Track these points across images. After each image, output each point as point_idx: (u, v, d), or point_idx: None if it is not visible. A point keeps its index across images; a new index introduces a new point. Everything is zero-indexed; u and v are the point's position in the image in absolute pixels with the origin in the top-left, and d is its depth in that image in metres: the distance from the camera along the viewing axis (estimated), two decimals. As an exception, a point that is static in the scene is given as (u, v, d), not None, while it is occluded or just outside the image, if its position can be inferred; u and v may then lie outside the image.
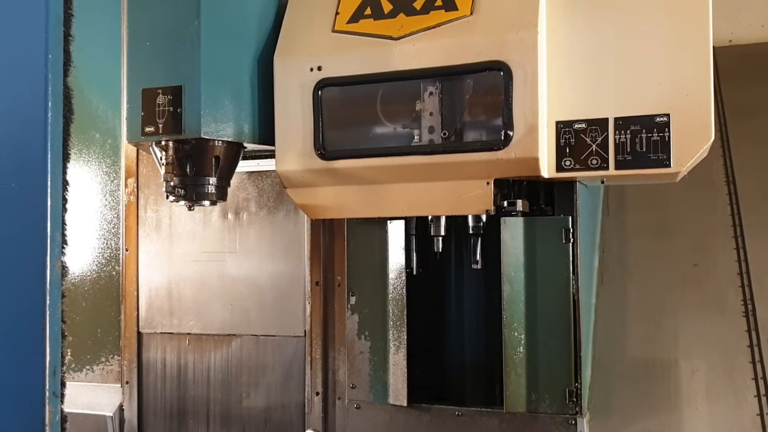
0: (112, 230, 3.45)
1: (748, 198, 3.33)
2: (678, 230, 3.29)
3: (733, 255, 3.15)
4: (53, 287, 1.19)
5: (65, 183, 1.27)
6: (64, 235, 1.27)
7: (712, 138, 2.32)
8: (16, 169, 1.23)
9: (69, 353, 3.48)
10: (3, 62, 1.25)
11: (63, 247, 1.24)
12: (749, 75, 3.94)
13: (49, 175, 1.20)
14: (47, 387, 1.16)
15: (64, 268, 1.23)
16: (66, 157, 1.25)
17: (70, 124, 1.26)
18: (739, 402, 2.73)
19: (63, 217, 1.25)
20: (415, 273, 2.85)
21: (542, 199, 2.70)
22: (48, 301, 1.18)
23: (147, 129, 2.61)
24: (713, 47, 3.64)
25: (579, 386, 2.56)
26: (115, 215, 3.46)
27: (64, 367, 1.23)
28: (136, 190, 3.34)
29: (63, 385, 1.22)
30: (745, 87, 3.84)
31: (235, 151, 2.75)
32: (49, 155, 1.20)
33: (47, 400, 1.16)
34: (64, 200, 1.27)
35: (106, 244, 3.46)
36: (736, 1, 4.24)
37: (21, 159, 1.22)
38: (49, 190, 1.20)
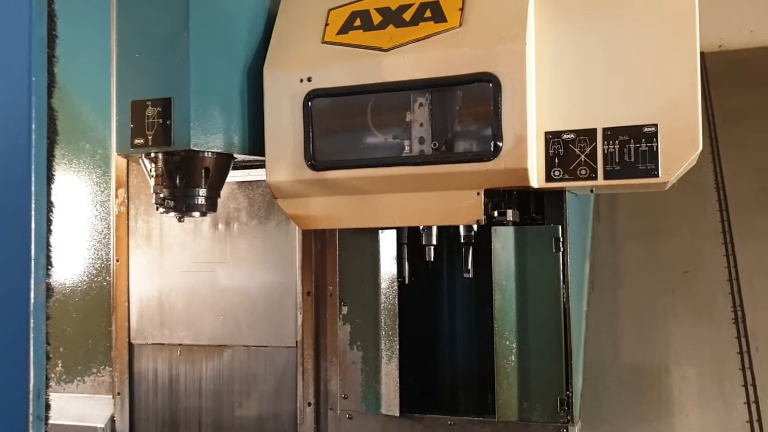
0: (103, 241, 3.44)
1: (738, 204, 3.34)
2: (668, 236, 3.30)
3: (722, 261, 3.16)
4: (37, 310, 1.18)
5: (50, 204, 1.27)
6: (48, 258, 1.26)
7: (700, 148, 2.33)
8: (-1, 191, 1.22)
9: (60, 364, 3.47)
10: (-14, 84, 1.25)
11: (48, 269, 1.24)
12: (739, 80, 3.96)
13: (33, 198, 1.20)
14: (31, 411, 1.16)
15: (48, 291, 1.23)
16: (50, 179, 1.25)
17: (54, 145, 1.26)
18: (728, 409, 2.74)
19: (48, 239, 1.25)
20: (407, 282, 2.86)
21: (533, 208, 2.71)
22: (32, 324, 1.17)
23: (136, 141, 2.61)
24: (703, 52, 3.66)
25: (570, 394, 2.56)
26: (106, 226, 3.45)
27: (51, 384, 1.23)
28: (126, 200, 3.33)
29: (47, 407, 1.21)
30: (735, 92, 3.85)
31: (225, 162, 2.75)
32: (32, 178, 1.20)
33: (31, 424, 1.15)
34: (49, 222, 1.26)
35: (97, 254, 3.45)
36: (726, 7, 4.26)
37: (4, 181, 1.21)
38: (33, 213, 1.20)
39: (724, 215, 3.29)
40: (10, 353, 1.18)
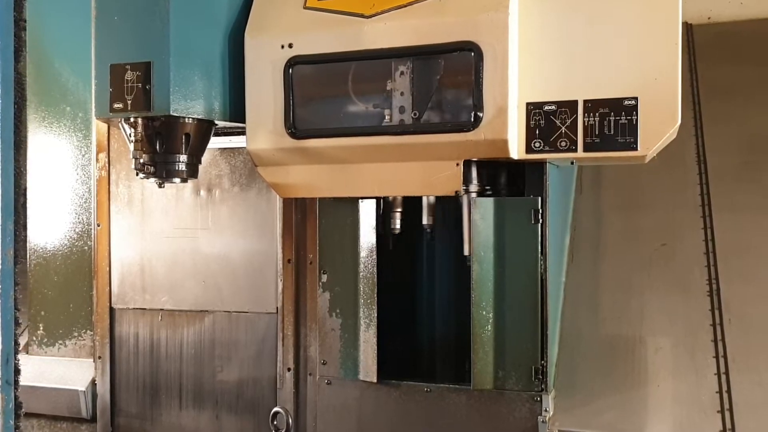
0: (84, 205, 3.43)
1: (718, 178, 3.35)
2: (648, 209, 3.31)
3: (700, 234, 3.18)
4: (5, 276, 1.18)
5: (20, 171, 1.26)
6: (22, 223, 1.26)
7: (679, 122, 2.33)
8: (-34, 157, 1.22)
9: (41, 327, 3.48)
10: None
11: (16, 235, 1.24)
12: (726, 54, 3.93)
13: (-1, 164, 1.20)
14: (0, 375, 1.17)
15: (16, 257, 1.23)
16: (18, 145, 1.24)
17: (23, 110, 1.25)
18: (699, 380, 2.78)
19: (17, 205, 1.24)
20: (391, 248, 2.87)
21: (506, 179, 2.71)
22: (-1, 290, 1.18)
23: (115, 105, 2.58)
24: (691, 24, 3.62)
25: (545, 364, 2.60)
26: (87, 190, 3.44)
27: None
28: (107, 164, 3.31)
29: (17, 372, 1.22)
30: (721, 66, 3.83)
31: (205, 129, 2.74)
32: (-1, 143, 1.19)
33: (0, 389, 1.16)
34: (19, 188, 1.26)
35: (78, 218, 3.44)
36: (716, -22, 4.21)
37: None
38: (-1, 179, 1.19)
39: (704, 189, 3.30)
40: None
